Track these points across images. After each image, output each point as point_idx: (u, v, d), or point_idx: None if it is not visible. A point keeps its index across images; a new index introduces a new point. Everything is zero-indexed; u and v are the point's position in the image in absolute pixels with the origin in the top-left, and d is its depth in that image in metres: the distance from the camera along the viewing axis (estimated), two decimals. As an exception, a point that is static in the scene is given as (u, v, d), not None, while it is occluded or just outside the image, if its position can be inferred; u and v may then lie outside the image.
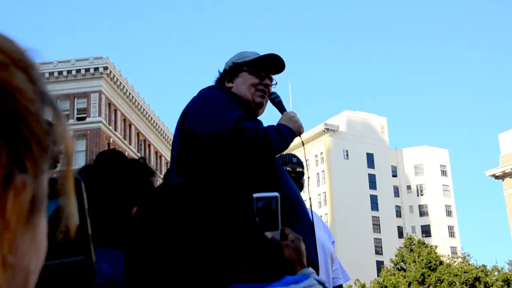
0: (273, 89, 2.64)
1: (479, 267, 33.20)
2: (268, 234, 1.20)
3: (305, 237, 2.30)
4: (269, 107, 2.64)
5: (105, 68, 37.41)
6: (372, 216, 65.11)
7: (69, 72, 37.46)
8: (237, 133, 2.25)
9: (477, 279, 31.78)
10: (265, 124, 2.46)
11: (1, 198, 0.40)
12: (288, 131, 2.39)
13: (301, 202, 2.42)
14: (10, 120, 0.40)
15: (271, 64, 2.60)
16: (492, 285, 31.65)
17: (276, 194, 1.24)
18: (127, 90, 40.34)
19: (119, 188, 1.45)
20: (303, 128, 2.50)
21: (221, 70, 2.68)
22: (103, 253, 1.32)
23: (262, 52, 2.66)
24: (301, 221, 2.33)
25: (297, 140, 2.56)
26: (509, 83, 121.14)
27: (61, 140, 0.45)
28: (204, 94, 2.49)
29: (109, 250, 1.34)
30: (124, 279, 1.22)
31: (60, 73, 37.33)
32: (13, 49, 0.43)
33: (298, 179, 3.41)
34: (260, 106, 2.56)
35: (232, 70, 2.61)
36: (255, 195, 1.22)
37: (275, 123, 2.47)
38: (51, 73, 37.07)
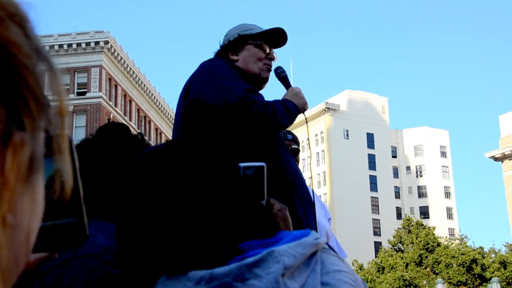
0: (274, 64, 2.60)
1: (476, 249, 33.40)
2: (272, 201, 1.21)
3: (306, 215, 2.27)
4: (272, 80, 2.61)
5: (106, 43, 37.13)
6: (371, 197, 65.29)
7: (69, 45, 37.19)
8: (246, 105, 2.22)
9: (474, 261, 31.97)
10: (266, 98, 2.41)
11: (0, 155, 0.39)
12: (294, 106, 2.38)
13: (301, 179, 2.41)
14: (6, 76, 0.39)
15: (275, 38, 2.57)
16: (488, 267, 31.86)
17: (262, 163, 1.20)
18: (128, 65, 40.10)
19: (120, 162, 1.42)
20: (307, 104, 2.49)
21: (222, 42, 2.60)
22: (99, 226, 1.33)
23: (264, 26, 2.63)
24: (301, 198, 2.32)
25: (299, 118, 2.54)
26: (508, 64, 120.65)
27: (56, 97, 0.43)
28: (210, 66, 2.42)
29: (105, 223, 1.34)
30: None
31: (60, 46, 37.05)
32: (7, 2, 0.41)
33: (293, 156, 3.38)
34: (266, 81, 2.54)
35: (237, 42, 2.54)
36: (241, 164, 1.18)
37: (271, 95, 2.45)
38: (51, 46, 36.79)
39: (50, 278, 1.26)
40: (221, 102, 2.23)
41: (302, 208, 2.28)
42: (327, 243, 1.01)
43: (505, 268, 31.61)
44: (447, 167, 72.34)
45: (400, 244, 37.00)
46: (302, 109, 2.43)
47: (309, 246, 0.97)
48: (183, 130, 2.35)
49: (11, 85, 0.40)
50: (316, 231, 2.29)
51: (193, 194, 0.98)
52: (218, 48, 2.61)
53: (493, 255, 33.08)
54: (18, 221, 0.41)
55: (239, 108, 2.21)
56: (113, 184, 1.40)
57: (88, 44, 37.11)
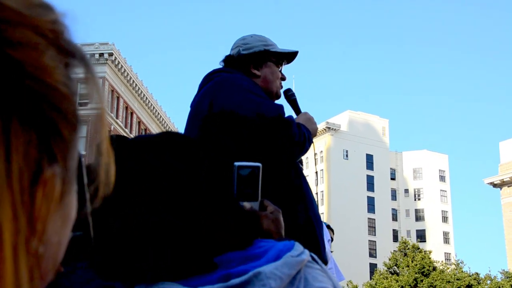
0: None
1: (472, 274, 33.30)
2: (247, 205, 1.18)
3: (321, 236, 2.24)
4: None
5: (110, 55, 37.37)
6: (368, 218, 65.14)
7: (73, 56, 37.46)
8: (285, 123, 2.17)
9: (469, 286, 31.89)
10: None
11: (29, 195, 0.38)
12: (309, 133, 2.35)
13: (314, 199, 2.38)
14: (36, 106, 0.38)
15: (288, 59, 2.56)
16: (484, 294, 31.78)
17: (258, 164, 1.20)
18: (131, 77, 40.32)
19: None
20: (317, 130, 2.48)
21: (239, 50, 2.47)
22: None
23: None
24: (317, 220, 2.28)
25: None
26: (510, 91, 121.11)
27: (97, 105, 0.43)
28: (235, 78, 2.31)
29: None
30: None
31: (64, 57, 37.35)
32: (44, 19, 0.40)
33: None
34: (278, 99, 2.50)
35: (261, 56, 2.45)
36: (236, 163, 1.17)
37: None
38: (55, 57, 37.06)
39: None
40: (256, 115, 2.13)
41: (319, 230, 2.23)
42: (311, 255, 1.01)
43: (500, 295, 31.53)
44: (445, 191, 72.29)
45: (395, 267, 36.89)
46: (313, 135, 2.40)
47: (295, 265, 0.93)
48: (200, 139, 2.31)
49: (41, 116, 0.38)
50: (325, 247, 2.28)
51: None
52: (230, 53, 2.50)
53: (488, 282, 32.96)
54: (48, 240, 0.41)
55: (277, 124, 2.14)
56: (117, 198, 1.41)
57: (92, 55, 37.16)
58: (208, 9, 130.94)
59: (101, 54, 37.32)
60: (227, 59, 2.48)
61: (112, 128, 37.51)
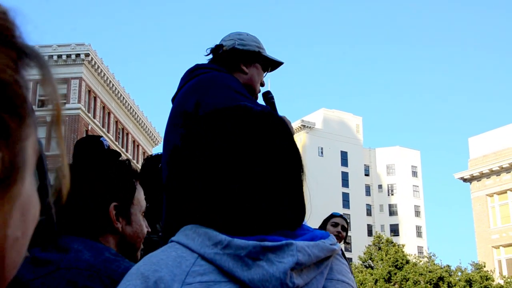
0: None
1: (444, 267, 34.02)
2: None
3: None
4: None
5: (87, 55, 37.44)
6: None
7: (50, 57, 37.32)
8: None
9: (441, 278, 32.62)
10: None
11: None
12: None
13: None
14: None
15: (272, 67, 2.54)
16: (455, 285, 32.54)
17: None
18: (107, 78, 40.41)
19: (99, 184, 1.49)
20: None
21: (231, 44, 2.40)
22: (87, 244, 1.40)
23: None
24: None
25: None
26: (481, 88, 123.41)
27: (52, 105, 0.43)
28: (224, 79, 2.23)
29: (91, 241, 1.42)
30: (102, 268, 1.34)
31: (41, 57, 37.22)
32: None
33: None
34: None
35: (251, 55, 2.41)
36: None
37: None
38: (32, 57, 36.92)
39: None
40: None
41: None
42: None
43: (470, 287, 32.33)
44: (417, 186, 73.52)
45: (370, 261, 37.47)
46: None
47: (325, 250, 0.97)
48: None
49: None
50: None
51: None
52: (221, 44, 2.41)
53: (459, 274, 33.73)
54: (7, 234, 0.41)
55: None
56: (93, 203, 1.46)
57: (69, 56, 37.36)
58: (185, 10, 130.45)
59: (78, 55, 37.36)
60: (216, 49, 2.40)
61: (89, 128, 37.60)
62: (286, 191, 1.02)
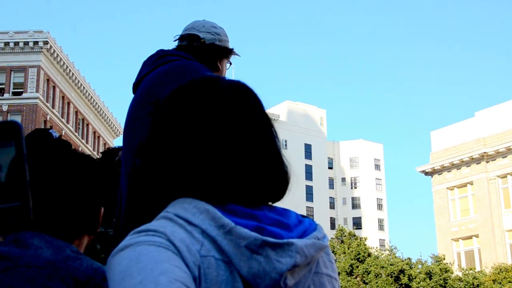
0: None
1: (405, 259, 34.50)
2: None
3: None
4: None
5: (45, 43, 36.42)
6: (307, 207, 66.36)
7: (6, 44, 36.27)
8: None
9: (401, 271, 33.03)
10: None
11: None
12: None
13: None
14: None
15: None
16: (415, 277, 33.02)
17: None
18: (67, 66, 39.42)
19: (93, 185, 1.49)
20: None
21: (214, 39, 2.34)
22: (47, 240, 1.35)
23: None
24: None
25: None
26: (443, 83, 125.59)
27: None
28: (200, 69, 2.16)
29: (53, 238, 1.37)
30: (63, 266, 1.29)
31: (-4, 44, 36.08)
32: None
33: None
34: None
35: (226, 53, 2.39)
36: None
37: None
38: (-14, 44, 35.78)
39: None
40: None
41: None
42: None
43: (430, 279, 32.86)
44: (380, 179, 74.44)
45: (332, 254, 37.74)
46: None
47: (320, 249, 0.99)
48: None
49: None
50: None
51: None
52: (197, 35, 2.33)
53: (420, 266, 34.26)
54: None
55: None
56: (61, 199, 1.42)
57: (26, 43, 36.28)
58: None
59: (36, 42, 36.32)
60: (192, 39, 2.32)
61: (48, 118, 36.61)
62: (269, 160, 1.04)
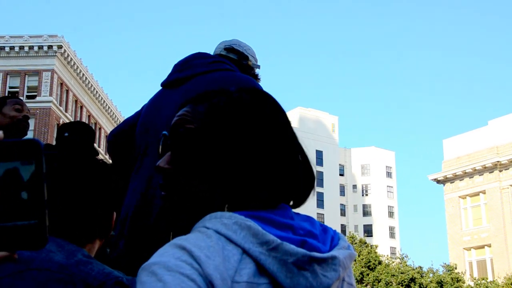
0: None
1: (416, 268, 34.26)
2: None
3: None
4: None
5: (59, 47, 36.66)
6: (317, 213, 66.13)
7: (21, 48, 36.54)
8: None
9: (412, 279, 32.81)
10: None
11: None
12: None
13: None
14: None
15: None
16: (426, 286, 32.77)
17: None
18: (80, 71, 39.67)
19: (107, 190, 1.49)
20: None
21: (252, 63, 2.41)
22: (60, 244, 1.36)
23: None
24: None
25: None
26: (456, 91, 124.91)
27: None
28: (258, 84, 2.14)
29: (66, 242, 1.38)
30: (75, 271, 1.30)
31: (11, 48, 36.37)
32: None
33: None
34: None
35: (255, 78, 2.40)
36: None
37: None
38: (2, 48, 36.11)
39: (1, 287, 1.28)
40: None
41: None
42: None
43: (441, 288, 32.65)
44: (391, 187, 74.05)
45: (344, 261, 37.55)
46: None
47: (353, 259, 1.01)
48: None
49: None
50: None
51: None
52: (243, 53, 2.38)
53: (431, 275, 34.00)
54: None
55: None
56: (74, 205, 1.42)
57: (40, 47, 36.54)
58: (162, 5, 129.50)
59: (50, 47, 36.56)
60: (240, 57, 2.36)
61: (61, 122, 36.83)
62: (299, 166, 1.06)
